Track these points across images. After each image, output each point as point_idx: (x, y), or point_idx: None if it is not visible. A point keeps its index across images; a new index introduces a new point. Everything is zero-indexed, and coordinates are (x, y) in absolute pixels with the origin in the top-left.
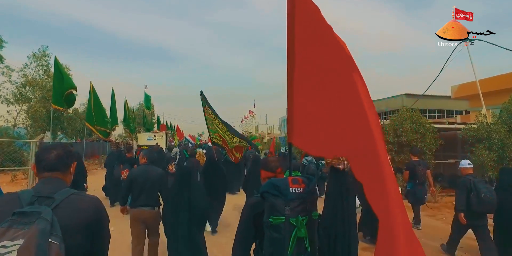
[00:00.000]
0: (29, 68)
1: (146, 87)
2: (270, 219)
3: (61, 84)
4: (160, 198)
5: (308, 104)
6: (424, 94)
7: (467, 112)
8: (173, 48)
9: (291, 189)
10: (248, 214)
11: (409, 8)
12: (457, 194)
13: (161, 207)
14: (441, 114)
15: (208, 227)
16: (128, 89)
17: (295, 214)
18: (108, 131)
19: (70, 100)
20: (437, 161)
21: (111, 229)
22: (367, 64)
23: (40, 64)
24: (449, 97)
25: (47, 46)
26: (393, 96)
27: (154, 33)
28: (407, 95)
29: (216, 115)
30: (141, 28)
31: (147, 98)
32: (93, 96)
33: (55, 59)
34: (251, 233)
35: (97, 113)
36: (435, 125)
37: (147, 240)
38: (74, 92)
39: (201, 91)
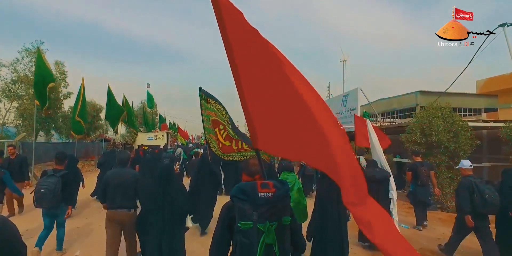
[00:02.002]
0: (20, 63)
1: (148, 86)
2: (239, 224)
3: (42, 79)
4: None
5: (262, 108)
6: (437, 91)
7: (489, 110)
8: (178, 48)
9: (259, 193)
10: (224, 217)
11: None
12: (458, 195)
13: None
14: (457, 113)
15: (189, 222)
16: (131, 89)
17: (263, 219)
18: (84, 128)
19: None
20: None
21: (75, 253)
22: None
23: (34, 60)
24: (465, 94)
25: (43, 42)
26: (406, 94)
27: (159, 33)
28: (422, 92)
29: (223, 108)
30: (146, 28)
31: (150, 96)
32: (83, 92)
33: (38, 51)
34: (227, 236)
35: (82, 108)
36: (470, 123)
37: (123, 241)
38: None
39: (200, 87)
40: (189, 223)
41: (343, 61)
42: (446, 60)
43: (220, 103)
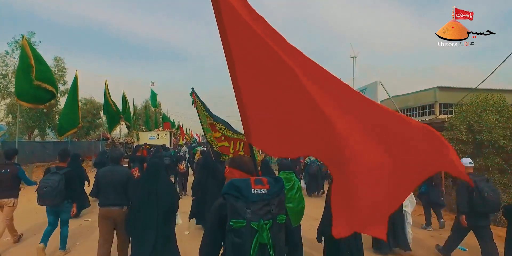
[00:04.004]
0: (10, 56)
1: (152, 84)
2: (231, 223)
3: (26, 74)
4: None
5: (258, 104)
6: (459, 87)
7: None
8: (182, 48)
9: (253, 190)
10: (214, 216)
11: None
12: (458, 194)
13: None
14: None
15: (179, 219)
16: (135, 88)
17: (257, 217)
18: (77, 128)
19: (41, 94)
20: None
21: None
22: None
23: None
24: (492, 90)
25: (34, 33)
26: (424, 90)
27: (163, 33)
28: (441, 88)
29: (209, 113)
30: (150, 28)
31: (154, 95)
32: (77, 87)
33: (26, 41)
34: (217, 237)
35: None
36: None
37: (115, 240)
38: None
39: (192, 88)
40: (179, 220)
41: (353, 57)
42: (451, 58)
43: (204, 106)
